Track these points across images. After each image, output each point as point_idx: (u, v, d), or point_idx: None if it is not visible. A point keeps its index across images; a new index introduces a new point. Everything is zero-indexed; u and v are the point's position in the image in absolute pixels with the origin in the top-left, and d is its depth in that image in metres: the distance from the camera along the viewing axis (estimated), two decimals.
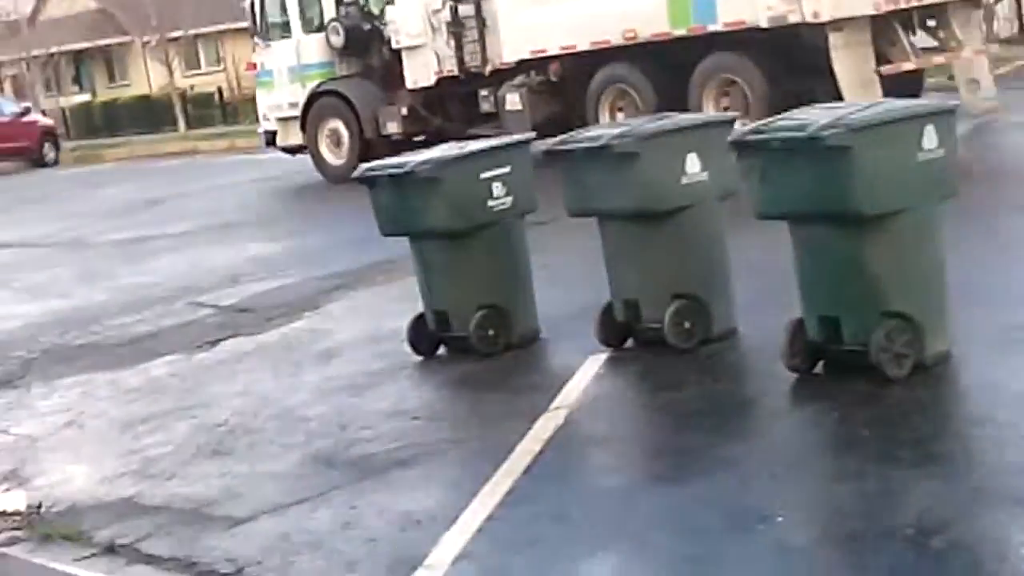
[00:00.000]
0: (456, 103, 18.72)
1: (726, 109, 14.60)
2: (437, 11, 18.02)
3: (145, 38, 45.38)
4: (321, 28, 19.52)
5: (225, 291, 11.95)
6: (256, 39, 20.89)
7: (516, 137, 8.48)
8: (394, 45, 18.80)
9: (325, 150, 19.98)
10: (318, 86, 19.73)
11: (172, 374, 9.27)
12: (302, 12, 19.92)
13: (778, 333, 6.83)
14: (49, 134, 36.72)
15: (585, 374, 7.54)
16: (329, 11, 19.54)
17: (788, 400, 6.76)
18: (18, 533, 6.47)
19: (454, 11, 17.79)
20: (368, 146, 18.70)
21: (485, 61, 17.69)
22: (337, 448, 6.96)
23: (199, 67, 49.38)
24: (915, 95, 15.21)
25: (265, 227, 16.11)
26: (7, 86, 49.95)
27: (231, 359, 9.42)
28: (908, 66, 14.51)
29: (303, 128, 19.98)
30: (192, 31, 45.29)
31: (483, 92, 17.98)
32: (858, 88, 13.73)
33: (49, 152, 36.04)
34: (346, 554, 5.51)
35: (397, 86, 18.95)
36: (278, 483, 6.58)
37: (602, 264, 7.98)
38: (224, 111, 39.20)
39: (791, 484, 5.64)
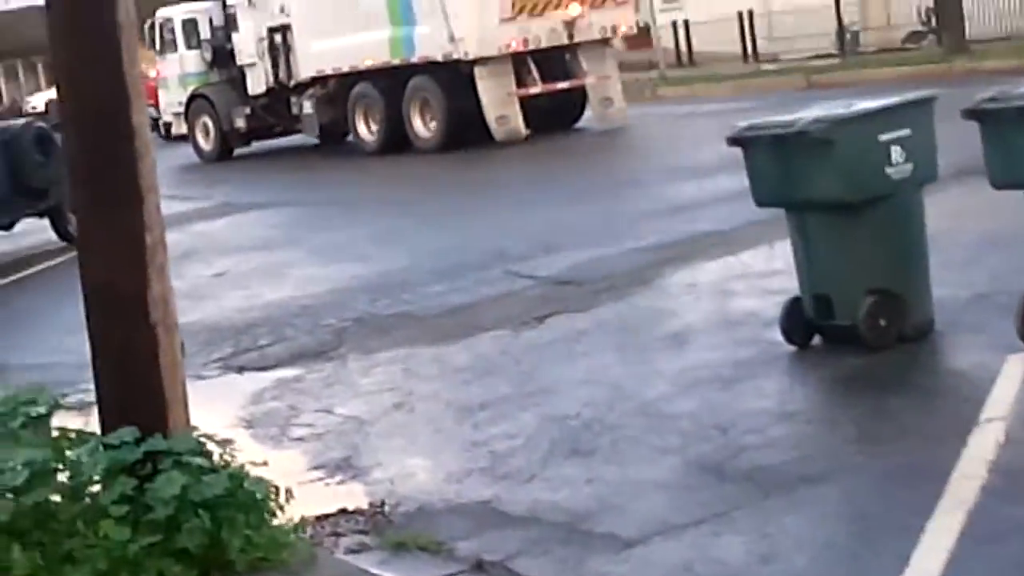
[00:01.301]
0: (280, 107, 25.20)
1: (426, 119, 21.34)
2: (262, 39, 24.73)
3: None
4: (198, 46, 26.38)
5: (539, 260, 11.06)
6: (156, 54, 27.38)
7: (919, 94, 7.27)
8: (238, 62, 25.52)
9: (200, 138, 26.79)
10: (195, 91, 26.55)
11: (502, 352, 8.40)
12: (185, 33, 26.69)
13: None
14: None
15: (1011, 378, 6.33)
16: (204, 33, 26.33)
17: None
18: (365, 539, 5.63)
19: (271, 40, 24.56)
20: (224, 137, 26.09)
21: (290, 77, 24.34)
22: (723, 455, 5.94)
23: None
24: (580, 110, 21.90)
25: (570, 190, 15.16)
26: None
27: (564, 338, 8.50)
28: (535, 90, 20.67)
29: (185, 120, 26.91)
30: None
31: (292, 99, 24.71)
32: (498, 105, 20.31)
33: None
34: None
35: (244, 93, 25.55)
36: (662, 495, 5.60)
37: (991, 246, 6.78)
38: None
39: None
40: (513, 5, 20.05)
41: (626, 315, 8.89)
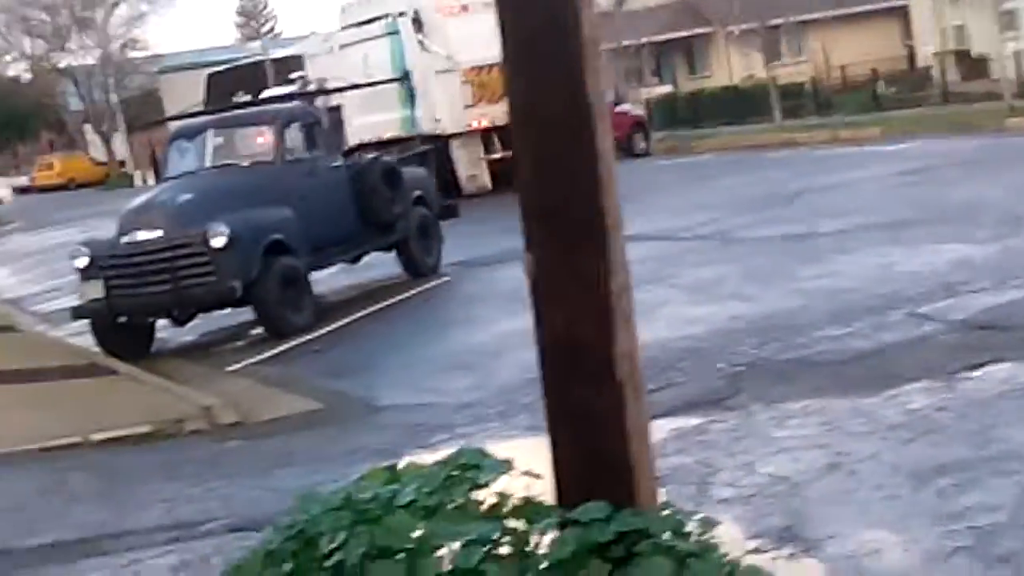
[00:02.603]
0: None
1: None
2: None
3: (728, 28, 44.25)
4: None
5: (944, 302, 10.02)
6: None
7: None
8: None
9: None
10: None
11: (939, 407, 7.42)
12: None
13: None
14: (639, 124, 36.18)
15: None
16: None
17: None
18: None
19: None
20: None
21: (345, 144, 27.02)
22: None
23: (779, 58, 47.75)
24: None
25: (946, 225, 14.00)
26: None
27: (1015, 392, 7.46)
28: (498, 156, 25.86)
29: None
30: (775, 21, 43.70)
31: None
32: (469, 166, 27.20)
33: (639, 142, 35.52)
34: None
35: None
36: None
37: None
38: (817, 101, 37.31)
39: None
40: (474, 95, 26.79)
41: None
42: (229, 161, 14.79)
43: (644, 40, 48.35)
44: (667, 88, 49.00)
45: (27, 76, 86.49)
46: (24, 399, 11.53)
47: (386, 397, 10.38)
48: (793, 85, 40.06)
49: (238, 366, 12.69)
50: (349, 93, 26.82)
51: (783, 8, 42.12)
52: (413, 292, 15.36)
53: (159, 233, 13.43)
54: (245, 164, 14.75)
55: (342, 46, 29.72)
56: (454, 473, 4.85)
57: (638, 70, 49.10)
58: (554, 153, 4.56)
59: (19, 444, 9.62)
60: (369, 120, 28.10)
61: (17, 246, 35.82)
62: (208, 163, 14.71)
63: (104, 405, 10.98)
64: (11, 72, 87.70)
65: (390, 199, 15.53)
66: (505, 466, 4.86)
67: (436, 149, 22.87)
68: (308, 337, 13.47)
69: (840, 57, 44.20)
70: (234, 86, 41.21)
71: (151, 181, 63.37)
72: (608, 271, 4.58)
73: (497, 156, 26.56)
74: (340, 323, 14.05)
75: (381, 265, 16.61)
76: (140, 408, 10.57)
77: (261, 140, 14.79)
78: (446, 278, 16.07)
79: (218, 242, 13.19)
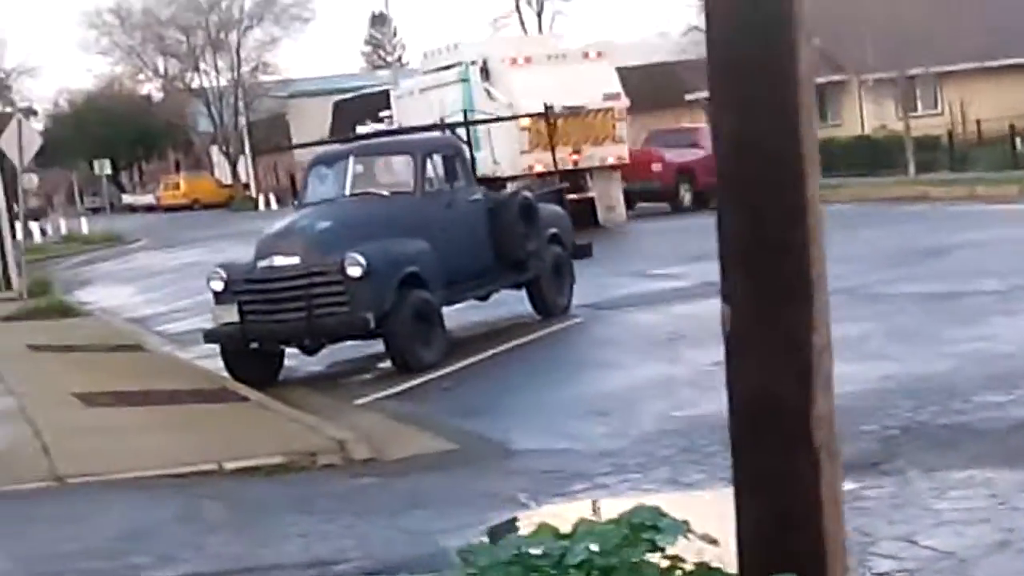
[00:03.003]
0: None
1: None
2: None
3: (863, 76, 43.56)
4: None
5: None
6: None
7: None
8: None
9: None
10: None
11: None
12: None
13: None
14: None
15: None
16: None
17: None
18: None
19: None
20: None
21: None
22: None
23: (915, 109, 46.97)
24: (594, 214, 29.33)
25: None
26: None
27: None
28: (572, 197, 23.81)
29: None
30: (912, 71, 42.96)
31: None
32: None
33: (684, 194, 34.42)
34: None
35: None
36: None
37: None
38: (952, 155, 36.54)
39: None
40: (530, 142, 28.02)
41: None
42: (369, 190, 14.70)
43: None
44: None
45: (158, 95, 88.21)
46: (157, 422, 11.48)
47: (520, 441, 10.16)
48: (928, 138, 39.27)
49: (366, 400, 12.55)
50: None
51: (920, 58, 41.41)
52: (543, 332, 15.14)
53: (296, 260, 13.36)
54: (385, 194, 14.65)
55: (422, 90, 31.45)
56: (628, 532, 4.61)
57: None
58: (762, 199, 4.31)
59: (152, 468, 9.54)
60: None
61: (142, 264, 36.29)
62: (348, 191, 14.62)
63: (237, 433, 10.89)
64: (143, 90, 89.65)
65: (525, 235, 15.35)
66: (683, 527, 4.60)
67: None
68: (438, 373, 13.30)
69: (977, 111, 43.32)
70: (359, 115, 41.73)
71: (275, 205, 64.19)
72: (811, 327, 4.34)
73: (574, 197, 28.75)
74: (469, 360, 13.85)
75: (508, 303, 16.40)
76: (273, 438, 10.46)
77: (402, 170, 14.69)
78: (578, 319, 15.83)
79: (354, 272, 13.09)
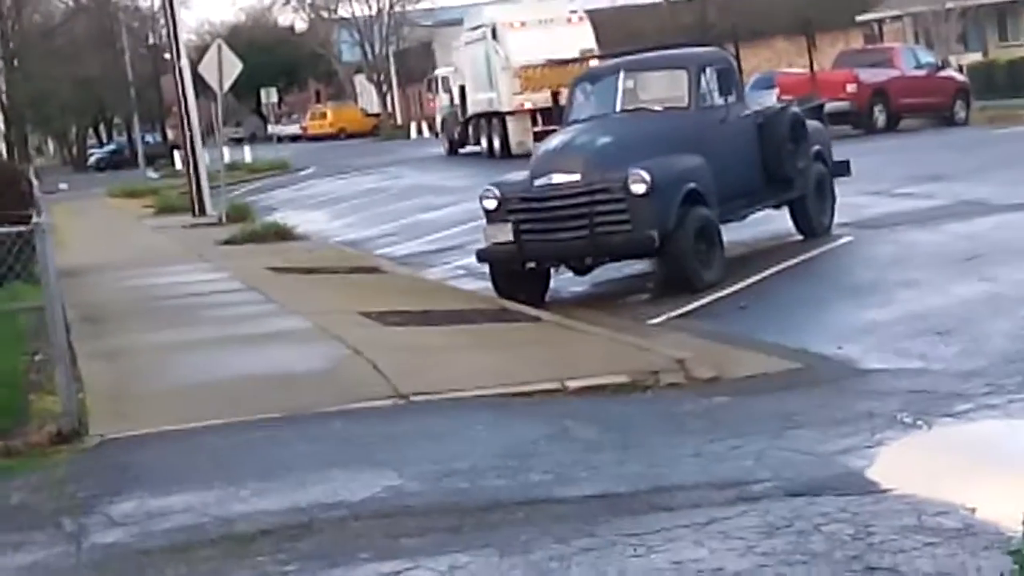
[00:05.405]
0: (464, 129, 44.69)
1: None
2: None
3: None
4: (448, 91, 48.02)
5: None
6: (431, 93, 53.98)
7: None
8: (455, 103, 45.98)
9: (444, 141, 48.01)
10: (443, 117, 49.23)
11: None
12: (443, 83, 50.47)
13: None
14: (962, 91, 34.56)
15: None
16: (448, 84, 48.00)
17: None
18: None
19: (461, 92, 45.50)
20: (451, 143, 46.10)
21: (465, 113, 43.90)
22: None
23: None
24: None
25: None
26: (921, 38, 48.28)
27: None
28: (539, 129, 33.88)
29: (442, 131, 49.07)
30: None
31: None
32: (519, 135, 37.60)
33: (960, 111, 33.95)
34: None
35: (456, 120, 45.46)
36: None
37: None
38: None
39: None
40: (521, 85, 37.36)
41: None
42: (641, 105, 14.22)
43: (950, 5, 46.29)
44: (975, 55, 46.83)
45: (302, 26, 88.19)
46: (466, 342, 11.17)
47: (865, 360, 9.68)
48: None
49: (660, 320, 12.14)
50: (468, 75, 42.21)
51: None
52: (817, 251, 14.59)
53: (577, 176, 12.94)
54: (658, 108, 14.16)
55: (466, 44, 43.00)
56: None
57: (944, 36, 46.99)
58: None
59: (493, 387, 9.22)
60: (478, 96, 40.93)
61: (323, 191, 36.25)
62: (619, 107, 14.15)
63: (561, 352, 10.54)
64: (284, 21, 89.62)
65: (795, 152, 14.78)
66: None
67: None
68: (720, 293, 12.87)
69: None
70: None
71: (426, 133, 63.94)
72: None
73: (539, 129, 34.45)
74: (750, 280, 13.38)
75: (761, 223, 15.82)
76: (604, 357, 10.08)
77: (676, 85, 14.16)
78: (846, 239, 15.24)
79: (638, 189, 12.66)
